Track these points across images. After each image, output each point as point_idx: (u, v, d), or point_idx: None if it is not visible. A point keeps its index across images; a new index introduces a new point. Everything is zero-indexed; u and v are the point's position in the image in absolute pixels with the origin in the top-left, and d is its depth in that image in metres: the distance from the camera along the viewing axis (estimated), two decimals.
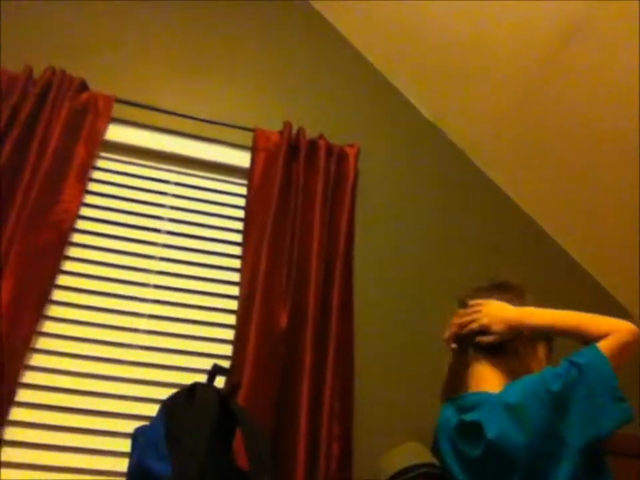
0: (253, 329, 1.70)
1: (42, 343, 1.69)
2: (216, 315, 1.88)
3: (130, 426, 1.34)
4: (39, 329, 1.68)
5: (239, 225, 1.99)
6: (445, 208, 2.29)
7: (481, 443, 1.18)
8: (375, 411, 1.81)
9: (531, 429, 1.13)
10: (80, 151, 1.85)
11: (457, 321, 1.40)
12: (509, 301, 1.35)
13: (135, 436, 1.27)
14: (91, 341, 1.74)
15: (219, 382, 1.52)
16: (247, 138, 2.07)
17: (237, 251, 1.95)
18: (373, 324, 1.97)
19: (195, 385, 1.29)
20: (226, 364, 1.72)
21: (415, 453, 1.34)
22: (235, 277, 1.92)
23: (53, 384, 1.66)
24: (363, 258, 2.05)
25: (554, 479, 1.09)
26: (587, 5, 1.80)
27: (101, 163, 1.97)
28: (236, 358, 1.70)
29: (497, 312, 1.32)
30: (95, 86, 1.98)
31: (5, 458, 1.53)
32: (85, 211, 1.88)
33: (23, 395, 1.62)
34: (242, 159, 2.08)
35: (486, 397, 1.24)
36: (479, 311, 1.35)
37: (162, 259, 1.90)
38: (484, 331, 1.32)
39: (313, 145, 2.09)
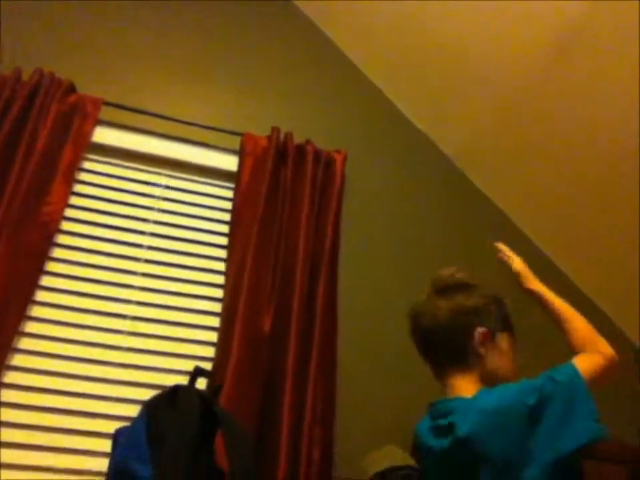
0: (236, 332, 1.71)
1: (25, 343, 1.69)
2: (200, 317, 1.89)
3: (111, 426, 1.34)
4: (22, 329, 1.69)
5: (225, 228, 2.00)
6: (431, 214, 2.31)
7: (450, 438, 1.19)
8: (358, 414, 1.82)
9: (503, 437, 1.14)
10: (67, 152, 1.85)
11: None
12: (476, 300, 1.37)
13: (116, 436, 1.27)
14: (73, 341, 1.74)
15: (201, 384, 1.54)
16: (235, 142, 2.09)
17: (223, 254, 1.96)
18: (357, 328, 1.98)
19: (177, 387, 1.29)
20: (209, 366, 1.72)
21: (393, 456, 1.35)
22: (220, 279, 1.93)
23: (35, 384, 1.66)
24: (348, 263, 2.06)
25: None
26: (581, 11, 1.82)
27: (88, 165, 1.97)
28: (218, 360, 1.71)
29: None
30: (83, 88, 1.99)
31: None
32: (71, 213, 1.88)
33: (4, 395, 1.61)
34: (230, 162, 2.09)
35: (459, 403, 1.24)
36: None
37: (147, 260, 1.91)
38: None
39: (300, 150, 2.10)
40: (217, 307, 1.88)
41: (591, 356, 1.23)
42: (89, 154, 1.97)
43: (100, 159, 2.00)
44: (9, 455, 1.57)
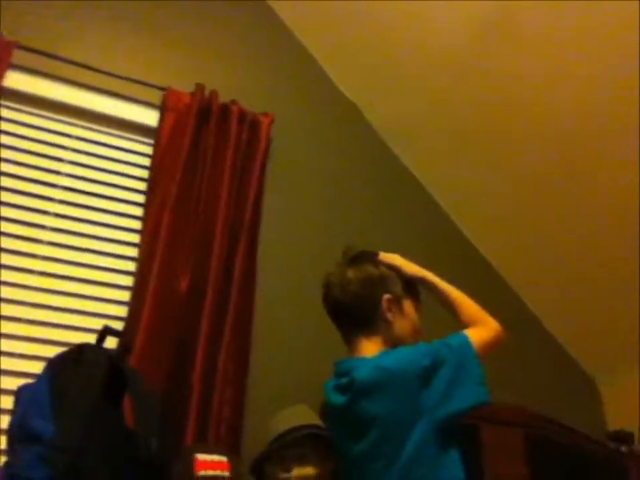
0: (149, 292, 1.69)
1: None
2: (113, 275, 1.84)
3: (14, 383, 1.30)
4: None
5: (143, 185, 1.95)
6: (354, 182, 2.34)
7: (348, 392, 1.26)
8: (270, 377, 1.85)
9: (396, 394, 1.21)
10: None
11: None
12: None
13: (19, 393, 1.24)
14: None
15: (112, 344, 1.51)
16: (157, 97, 2.02)
17: (139, 211, 1.92)
18: (276, 294, 2.00)
19: (84, 345, 1.26)
20: (120, 326, 1.70)
21: (300, 416, 1.38)
22: (135, 238, 1.89)
23: None
24: (269, 227, 2.06)
25: (406, 442, 1.18)
26: None
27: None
28: (130, 320, 1.69)
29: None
30: None
31: None
32: None
33: None
34: (150, 117, 2.03)
35: (359, 362, 1.31)
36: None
37: (58, 215, 1.84)
38: None
39: (225, 109, 2.06)
40: (132, 266, 1.84)
41: (480, 328, 1.34)
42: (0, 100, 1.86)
43: (11, 105, 1.89)
44: None
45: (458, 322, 1.38)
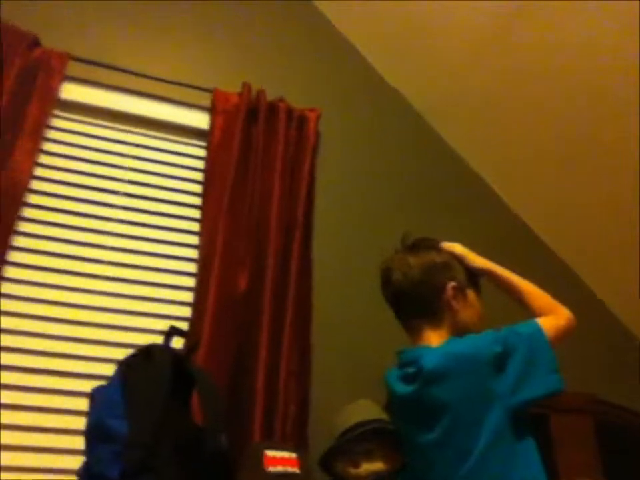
0: (211, 291, 1.72)
1: None
2: (175, 277, 1.88)
3: (88, 386, 1.35)
4: None
5: (198, 188, 1.98)
6: (403, 171, 2.31)
7: (416, 381, 1.24)
8: (334, 369, 1.85)
9: (468, 379, 1.19)
10: (32, 109, 1.80)
11: None
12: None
13: (93, 395, 1.28)
14: (48, 302, 1.73)
15: (178, 343, 1.55)
16: (206, 99, 2.05)
17: (196, 213, 1.95)
18: (332, 287, 2.00)
19: (151, 346, 1.30)
20: (184, 326, 1.73)
21: (366, 410, 1.38)
22: (194, 239, 1.92)
23: (11, 344, 1.65)
24: (322, 222, 2.06)
25: (480, 430, 1.16)
26: None
27: (56, 122, 1.92)
28: (194, 319, 1.73)
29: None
30: (49, 42, 1.92)
31: None
32: (40, 171, 1.84)
33: None
34: (201, 120, 2.06)
35: (426, 350, 1.29)
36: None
37: (120, 220, 1.89)
38: None
39: (272, 107, 2.07)
40: (192, 267, 1.88)
41: (552, 317, 1.30)
42: (56, 111, 1.92)
43: (68, 116, 1.95)
44: None
45: (529, 312, 1.34)
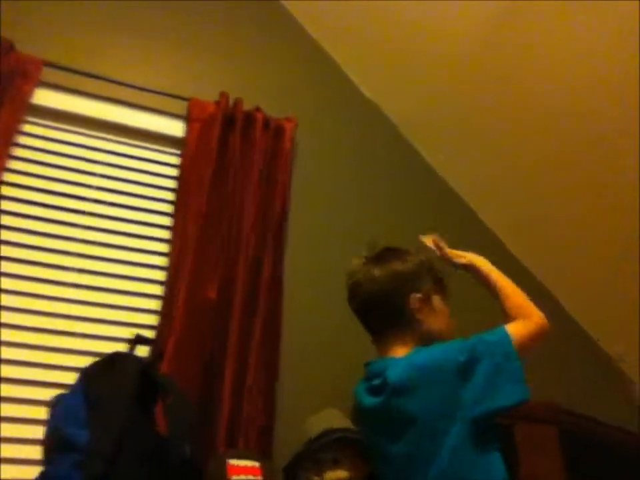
0: (180, 300, 1.71)
1: None
2: (143, 285, 1.87)
3: (49, 394, 1.33)
4: None
5: (171, 196, 1.98)
6: (379, 183, 2.32)
7: (382, 393, 1.23)
8: (300, 379, 1.85)
9: (431, 390, 1.19)
10: (4, 114, 1.78)
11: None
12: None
13: (53, 404, 1.27)
14: (14, 309, 1.71)
15: (144, 352, 1.54)
16: (182, 107, 2.05)
17: (168, 221, 1.94)
18: (303, 298, 1.99)
19: (115, 354, 1.30)
20: (152, 334, 1.72)
21: (334, 418, 1.38)
22: (164, 247, 1.91)
23: None
24: (296, 232, 2.06)
25: (446, 436, 1.16)
26: None
27: (28, 128, 1.90)
28: (162, 328, 1.71)
29: None
30: (24, 48, 1.91)
31: None
32: (10, 177, 1.82)
33: None
34: (176, 128, 2.06)
35: (392, 361, 1.29)
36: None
37: (89, 227, 1.87)
38: None
39: (249, 116, 2.08)
40: (161, 276, 1.87)
41: (523, 322, 1.29)
42: (29, 117, 1.90)
43: (41, 122, 1.94)
44: None
45: (502, 309, 1.34)
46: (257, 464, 1.29)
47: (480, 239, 2.41)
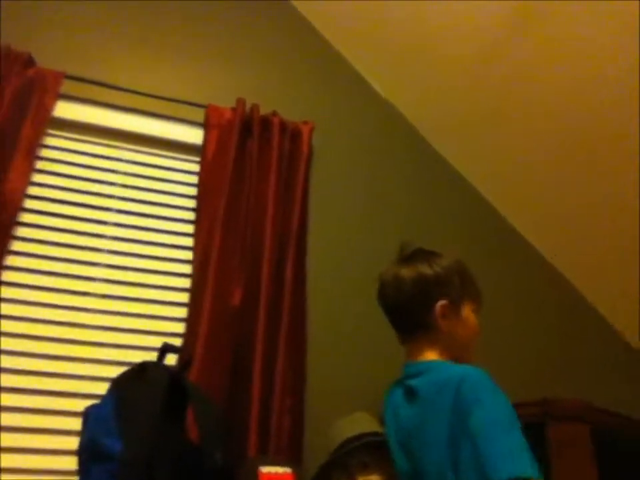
0: (205, 307, 1.72)
1: None
2: (168, 293, 1.88)
3: (81, 405, 1.35)
4: None
5: (192, 203, 1.99)
6: (397, 184, 2.32)
7: (415, 402, 1.19)
8: (327, 383, 1.85)
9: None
10: (26, 128, 1.81)
11: None
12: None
13: (86, 414, 1.28)
14: (41, 321, 1.73)
15: (172, 360, 1.55)
16: (200, 114, 2.06)
17: (190, 229, 1.95)
18: (326, 300, 2.00)
19: (145, 363, 1.31)
20: (178, 342, 1.74)
21: (363, 422, 1.38)
22: (188, 255, 1.92)
23: (5, 365, 1.65)
24: (316, 234, 2.07)
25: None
26: None
27: (49, 141, 1.93)
28: (188, 335, 1.72)
29: None
30: (43, 61, 1.94)
31: None
32: (33, 190, 1.85)
33: None
34: (195, 135, 2.07)
35: (435, 364, 1.25)
36: None
37: (113, 237, 1.89)
38: None
39: (266, 121, 2.08)
40: (186, 283, 1.88)
41: None
42: (50, 129, 1.93)
43: (62, 134, 1.96)
44: None
45: None
46: (288, 470, 1.30)
47: (505, 239, 2.40)
